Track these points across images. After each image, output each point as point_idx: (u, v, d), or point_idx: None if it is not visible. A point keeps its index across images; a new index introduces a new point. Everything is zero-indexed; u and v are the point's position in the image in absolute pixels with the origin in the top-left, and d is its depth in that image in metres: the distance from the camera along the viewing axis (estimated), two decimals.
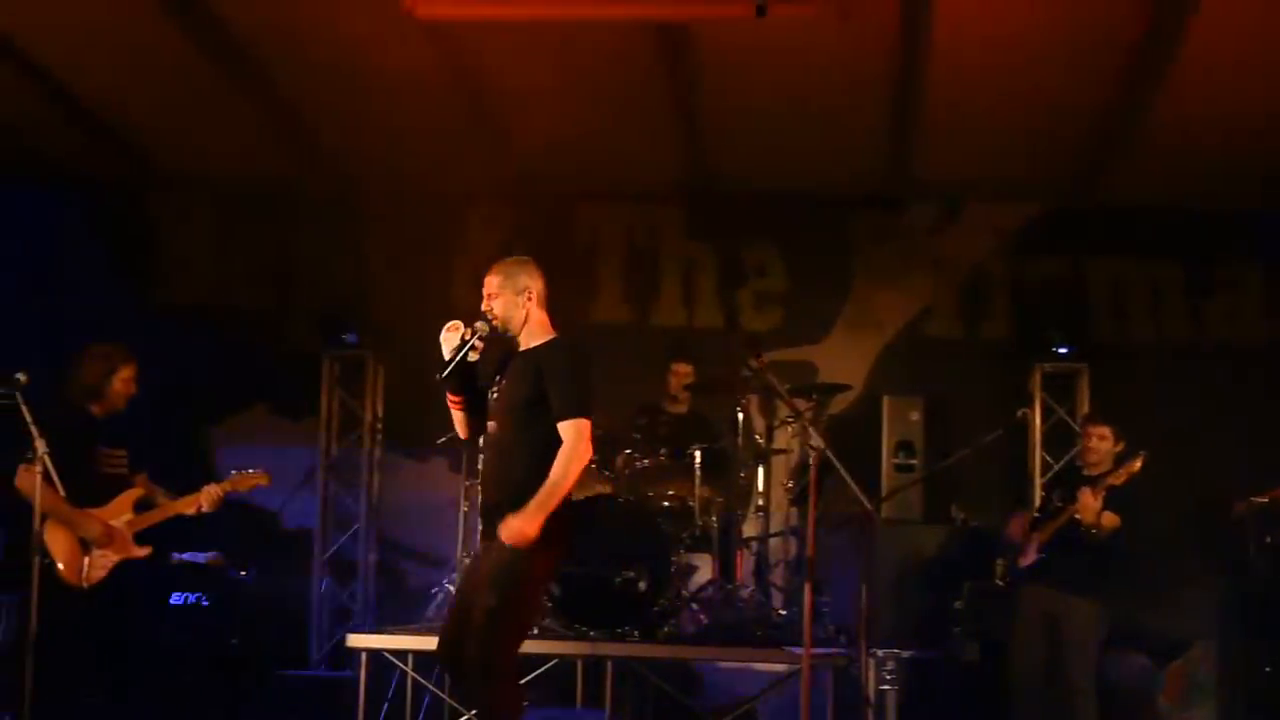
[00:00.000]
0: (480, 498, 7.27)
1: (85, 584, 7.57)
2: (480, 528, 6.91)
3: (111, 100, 9.80)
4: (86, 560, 7.62)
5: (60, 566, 7.57)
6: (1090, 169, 10.40)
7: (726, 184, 10.95)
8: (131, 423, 8.12)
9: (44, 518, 7.47)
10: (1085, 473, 8.50)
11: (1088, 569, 8.26)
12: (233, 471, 8.22)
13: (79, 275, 10.79)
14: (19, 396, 7.28)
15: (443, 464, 10.85)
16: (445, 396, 6.81)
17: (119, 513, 7.83)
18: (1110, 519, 8.07)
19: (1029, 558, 8.46)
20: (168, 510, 7.98)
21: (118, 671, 7.79)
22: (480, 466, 7.12)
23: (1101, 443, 8.46)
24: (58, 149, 10.39)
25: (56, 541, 7.57)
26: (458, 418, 6.87)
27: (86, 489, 7.67)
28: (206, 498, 7.97)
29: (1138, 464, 8.03)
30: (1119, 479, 8.05)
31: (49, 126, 9.98)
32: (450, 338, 6.73)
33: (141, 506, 7.94)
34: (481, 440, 7.12)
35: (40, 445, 7.20)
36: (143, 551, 7.88)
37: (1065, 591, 8.32)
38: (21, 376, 7.35)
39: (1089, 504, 8.05)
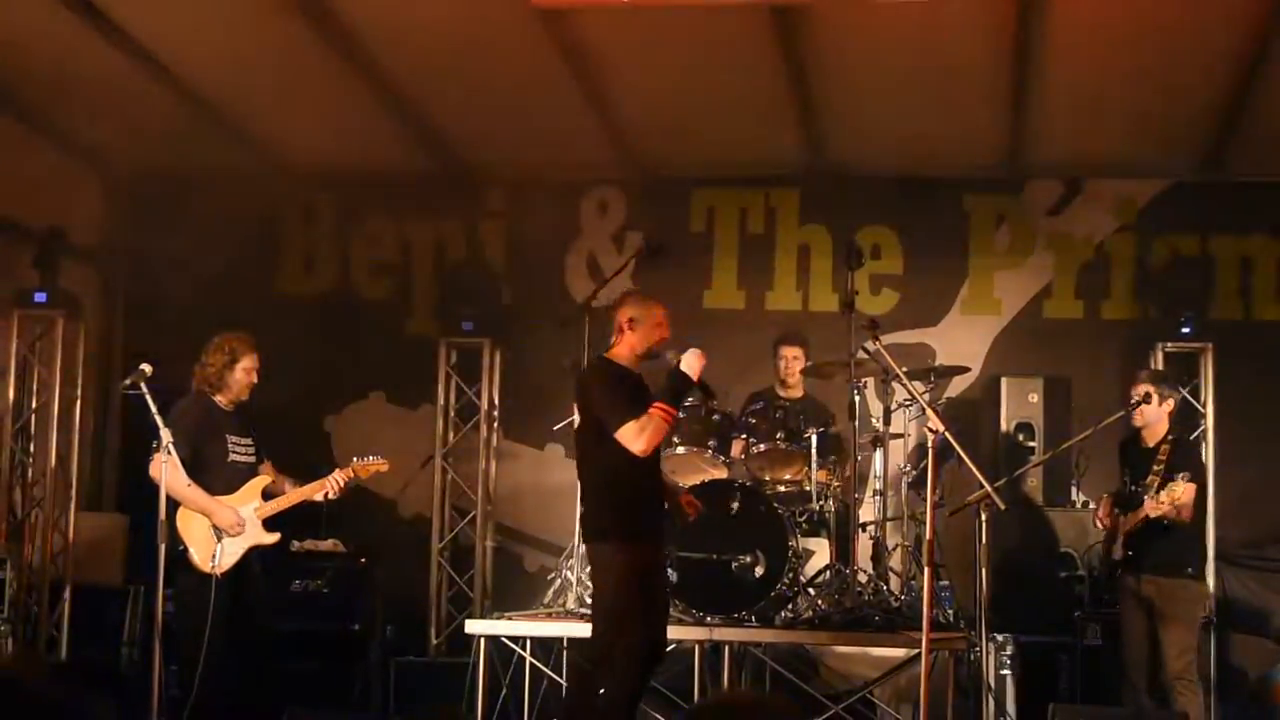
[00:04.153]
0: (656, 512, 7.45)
1: (218, 571, 7.69)
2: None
3: (236, 95, 9.92)
4: (219, 547, 7.74)
5: (194, 554, 7.71)
6: (1214, 144, 10.21)
7: (841, 167, 10.88)
8: (257, 412, 8.25)
9: (176, 506, 7.68)
10: (1141, 444, 8.38)
11: (1171, 548, 8.14)
12: (354, 459, 8.28)
13: (206, 267, 10.94)
14: (144, 387, 7.47)
15: (558, 451, 10.89)
16: (670, 413, 7.13)
17: (248, 500, 7.95)
18: (1184, 501, 7.90)
19: (1118, 551, 8.33)
20: (294, 497, 8.09)
21: (247, 657, 7.86)
22: (642, 480, 7.29)
23: (1145, 404, 8.32)
24: (185, 143, 10.52)
25: (190, 529, 7.74)
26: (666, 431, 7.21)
27: (216, 477, 7.82)
28: (332, 484, 8.07)
29: (1180, 490, 7.87)
30: (1159, 510, 7.90)
31: (177, 122, 10.12)
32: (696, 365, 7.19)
33: (268, 494, 8.07)
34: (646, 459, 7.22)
35: (166, 435, 7.39)
36: (272, 538, 8.02)
37: (1156, 574, 8.18)
38: (146, 368, 7.57)
39: (1154, 506, 7.91)
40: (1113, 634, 8.99)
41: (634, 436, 6.98)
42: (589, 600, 7.51)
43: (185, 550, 7.70)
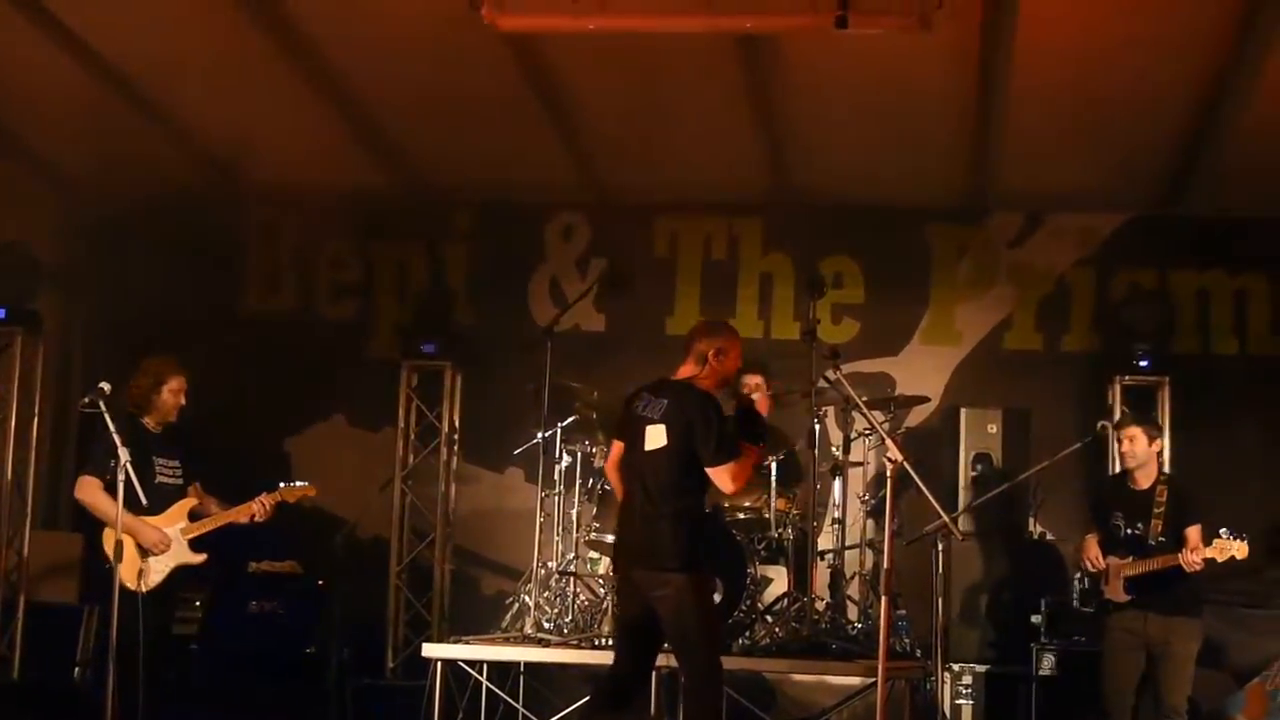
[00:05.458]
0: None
1: (143, 589, 7.75)
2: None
3: (201, 115, 9.90)
4: (144, 566, 7.83)
5: (120, 572, 7.73)
6: (1174, 180, 10.30)
7: (805, 196, 10.92)
8: (187, 435, 8.33)
9: (103, 526, 7.84)
10: (1131, 485, 8.40)
11: (1184, 592, 8.19)
12: (281, 484, 8.39)
13: (166, 287, 10.92)
14: (102, 405, 7.52)
15: (518, 475, 10.88)
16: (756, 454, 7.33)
17: (174, 520, 8.07)
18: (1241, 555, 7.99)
19: (1117, 592, 8.33)
20: (221, 519, 8.21)
21: (177, 672, 7.97)
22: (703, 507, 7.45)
23: (1134, 444, 8.35)
24: (148, 162, 10.50)
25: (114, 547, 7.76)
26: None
27: (147, 499, 7.78)
28: (259, 507, 8.20)
29: (1237, 547, 7.93)
30: (1220, 555, 7.95)
31: (138, 139, 10.09)
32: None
33: (195, 515, 8.17)
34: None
35: (124, 454, 7.42)
36: (199, 558, 8.13)
37: (1168, 614, 8.22)
38: (105, 386, 7.64)
39: (1193, 562, 7.96)
40: (1071, 665, 9.04)
41: (732, 477, 7.00)
42: (686, 631, 7.11)
43: (111, 569, 7.72)
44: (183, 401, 8.21)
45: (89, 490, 7.93)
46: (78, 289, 11.37)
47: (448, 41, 8.48)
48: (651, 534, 7.14)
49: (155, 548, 7.89)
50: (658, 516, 7.12)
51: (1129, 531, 8.30)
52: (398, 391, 11.12)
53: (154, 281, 10.90)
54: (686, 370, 7.29)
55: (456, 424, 11.21)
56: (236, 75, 9.09)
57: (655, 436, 7.15)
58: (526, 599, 9.10)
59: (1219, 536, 7.93)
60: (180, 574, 8.07)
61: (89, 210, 11.30)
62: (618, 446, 7.50)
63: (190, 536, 8.09)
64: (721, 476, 7.01)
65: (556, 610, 8.88)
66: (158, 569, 7.91)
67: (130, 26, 8.52)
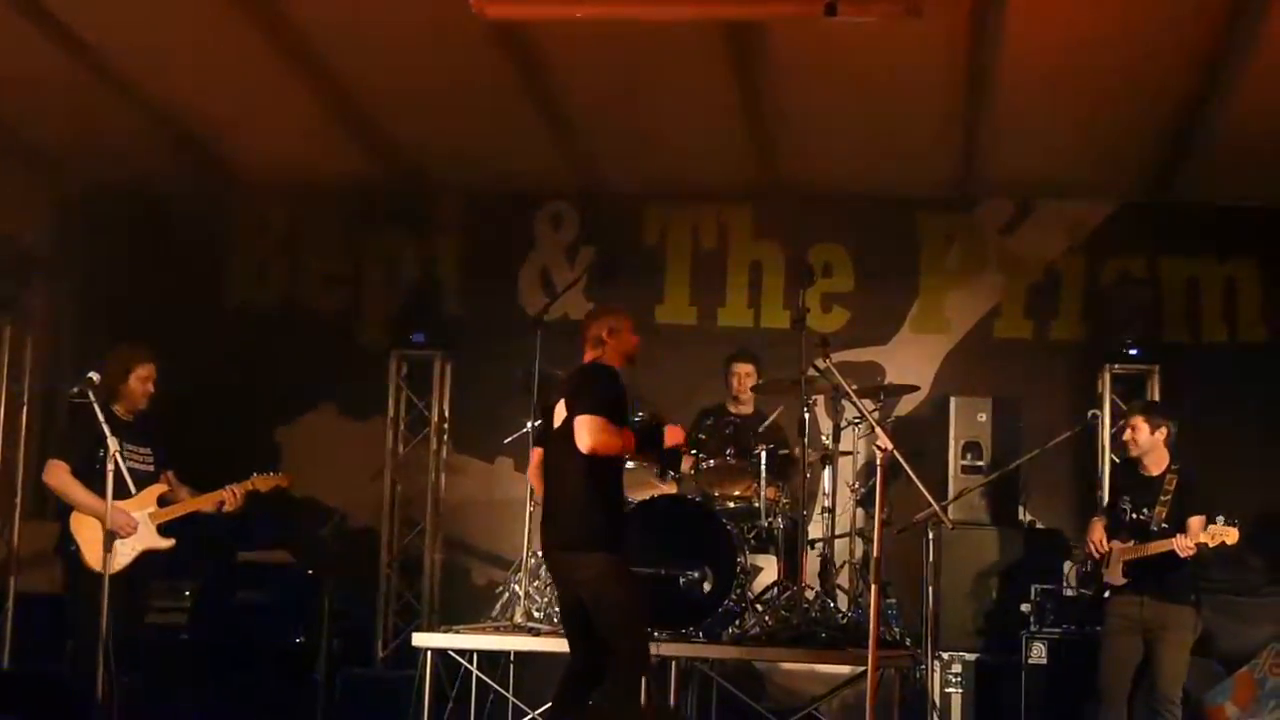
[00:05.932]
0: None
1: (107, 571, 7.75)
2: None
3: (188, 103, 9.87)
4: (111, 549, 7.83)
5: (85, 553, 7.92)
6: (1164, 167, 10.30)
7: (794, 184, 10.92)
8: (158, 423, 8.43)
9: (71, 509, 7.99)
10: (1142, 471, 8.43)
11: (1182, 579, 8.22)
12: (254, 473, 8.43)
13: (155, 276, 10.90)
14: (91, 395, 7.62)
15: (508, 464, 10.88)
16: (630, 448, 7.41)
17: (142, 506, 8.14)
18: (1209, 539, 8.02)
19: (1116, 576, 8.36)
20: (190, 505, 8.31)
21: (133, 656, 7.97)
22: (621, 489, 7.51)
23: (1136, 433, 8.42)
24: (136, 152, 10.48)
25: (83, 530, 7.95)
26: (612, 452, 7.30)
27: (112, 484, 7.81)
28: (229, 495, 8.29)
29: (1227, 533, 7.96)
30: (1212, 540, 7.98)
31: (125, 128, 10.07)
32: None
33: (164, 502, 8.25)
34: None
35: (113, 444, 7.52)
36: (166, 543, 8.22)
37: (1162, 599, 8.25)
38: (95, 376, 7.83)
39: (1185, 547, 7.99)
40: (1061, 653, 9.05)
41: (590, 429, 7.00)
42: (604, 615, 7.14)
43: (76, 550, 7.95)
44: (151, 390, 8.30)
45: (56, 474, 8.09)
46: (65, 278, 11.33)
47: (436, 30, 8.45)
48: (562, 514, 7.27)
49: (121, 530, 7.93)
50: (567, 496, 7.24)
51: (1134, 516, 8.34)
52: (387, 381, 11.10)
53: (142, 271, 10.90)
54: (588, 357, 7.44)
55: (446, 413, 11.19)
56: (224, 64, 9.05)
57: (558, 414, 7.30)
58: (516, 588, 9.10)
59: (1213, 522, 7.96)
60: (148, 559, 8.14)
61: (76, 199, 11.27)
62: (537, 452, 7.63)
63: (159, 522, 8.18)
64: (580, 427, 7.02)
65: (546, 599, 8.86)
66: (123, 552, 7.97)
67: (117, 14, 8.47)
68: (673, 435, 7.63)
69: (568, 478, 7.24)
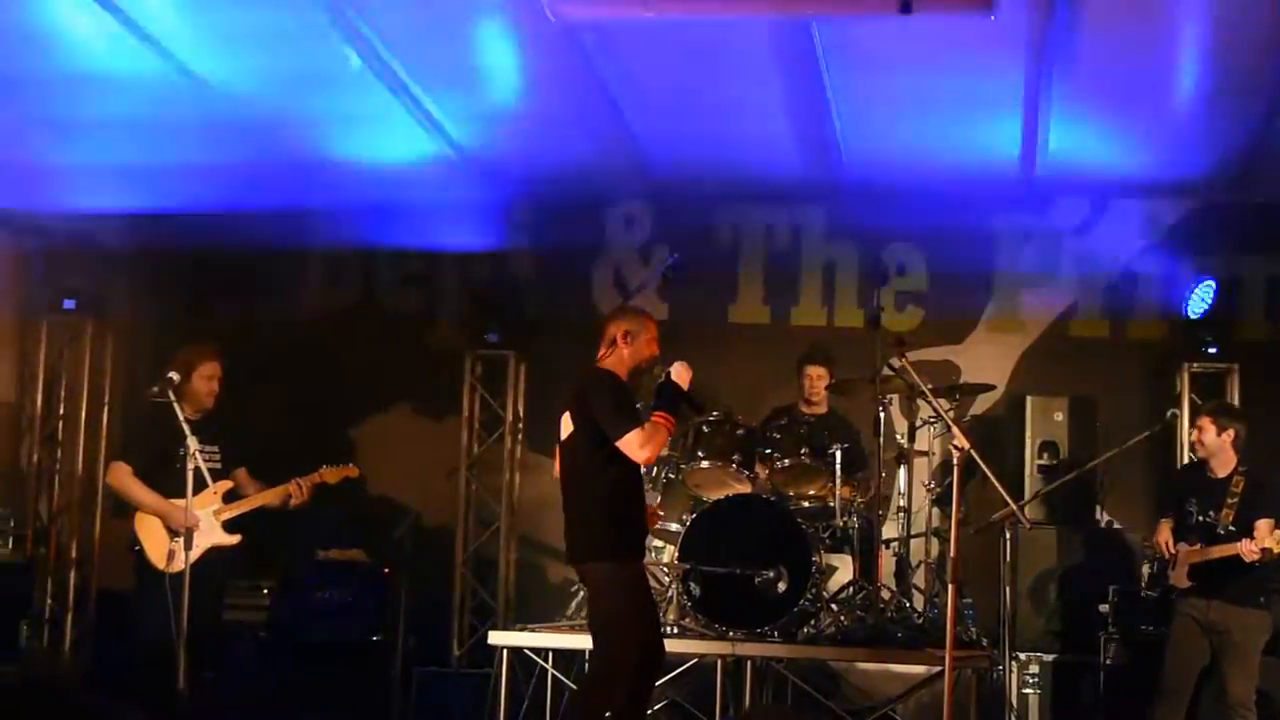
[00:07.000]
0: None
1: (171, 569, 7.91)
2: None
3: (267, 98, 9.91)
4: (173, 547, 7.98)
5: (149, 552, 8.06)
6: (1242, 165, 10.17)
7: (867, 184, 10.86)
8: (226, 420, 8.50)
9: (135, 510, 8.14)
10: (1209, 474, 8.37)
11: (1247, 582, 8.16)
12: (324, 465, 8.51)
13: (231, 285, 11.01)
14: (171, 395, 7.71)
15: None
16: (672, 422, 7.16)
17: (207, 503, 8.17)
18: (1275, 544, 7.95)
19: (1181, 579, 8.31)
20: (254, 500, 8.39)
21: (203, 654, 8.01)
22: (640, 495, 7.49)
23: (1203, 434, 8.40)
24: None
25: (146, 529, 8.10)
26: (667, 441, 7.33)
27: (178, 483, 7.89)
28: (295, 489, 8.38)
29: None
30: (1253, 557, 7.93)
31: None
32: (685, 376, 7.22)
33: (231, 498, 8.31)
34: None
35: (193, 443, 7.68)
36: (232, 539, 8.29)
37: (1229, 602, 8.19)
38: (175, 376, 7.91)
39: (1250, 551, 7.93)
40: (1140, 654, 8.98)
41: (640, 444, 6.96)
42: (593, 619, 7.30)
43: (140, 548, 8.05)
44: (215, 388, 8.36)
45: (117, 475, 8.25)
46: (145, 279, 11.46)
47: (507, 32, 8.48)
48: (571, 525, 7.28)
49: (182, 527, 7.94)
50: (575, 504, 7.26)
51: (1200, 519, 8.29)
52: (462, 381, 11.15)
53: (221, 272, 11.00)
54: (600, 355, 7.36)
55: (520, 413, 11.25)
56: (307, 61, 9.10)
57: (565, 425, 7.29)
58: None
59: (1279, 527, 7.90)
60: (216, 556, 8.19)
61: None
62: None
63: (224, 518, 8.24)
64: (628, 446, 6.98)
65: None
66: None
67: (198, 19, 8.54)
68: (680, 374, 7.24)
69: (575, 490, 7.27)
